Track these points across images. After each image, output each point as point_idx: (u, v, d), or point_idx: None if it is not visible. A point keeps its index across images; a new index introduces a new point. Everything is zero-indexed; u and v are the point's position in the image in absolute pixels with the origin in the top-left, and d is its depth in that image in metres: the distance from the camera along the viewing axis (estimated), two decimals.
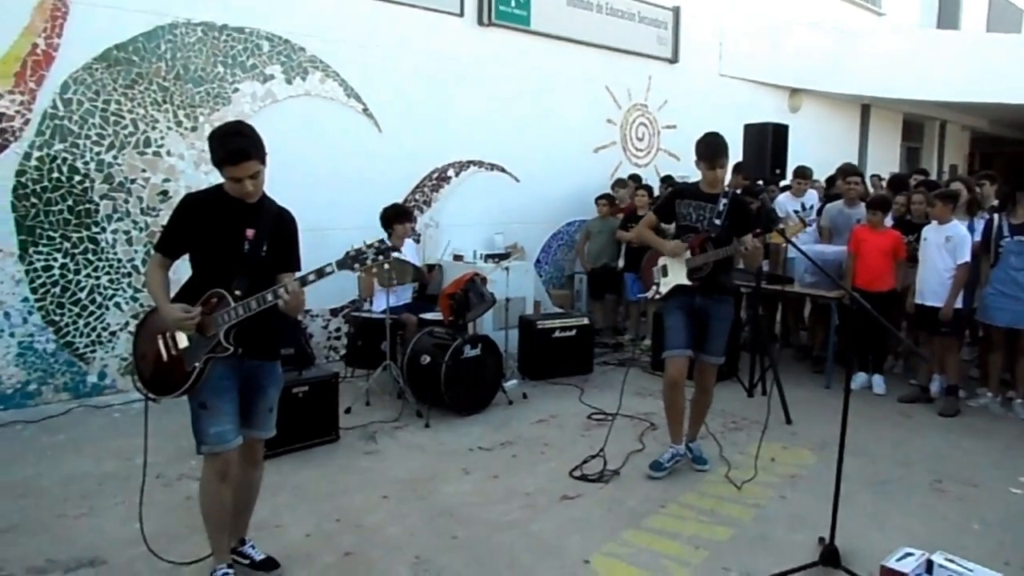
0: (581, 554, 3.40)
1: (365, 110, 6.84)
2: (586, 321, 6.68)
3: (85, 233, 5.43)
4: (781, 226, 3.90)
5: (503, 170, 8.01)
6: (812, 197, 7.41)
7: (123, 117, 5.53)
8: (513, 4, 7.83)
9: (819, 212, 7.12)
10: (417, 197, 7.32)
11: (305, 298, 2.85)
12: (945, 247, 5.49)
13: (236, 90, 6.05)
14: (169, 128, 5.75)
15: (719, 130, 4.17)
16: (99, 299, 5.53)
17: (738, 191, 4.96)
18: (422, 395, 5.31)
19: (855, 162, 11.63)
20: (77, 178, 5.36)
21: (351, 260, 2.81)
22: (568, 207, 8.66)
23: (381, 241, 2.85)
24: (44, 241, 5.26)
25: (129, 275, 5.64)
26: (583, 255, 8.10)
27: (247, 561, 3.16)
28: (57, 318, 5.37)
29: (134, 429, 4.72)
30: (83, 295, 5.46)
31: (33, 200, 5.20)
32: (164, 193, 5.74)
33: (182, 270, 2.90)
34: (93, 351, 5.54)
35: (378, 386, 5.73)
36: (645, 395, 5.84)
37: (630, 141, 9.44)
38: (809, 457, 4.65)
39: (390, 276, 5.30)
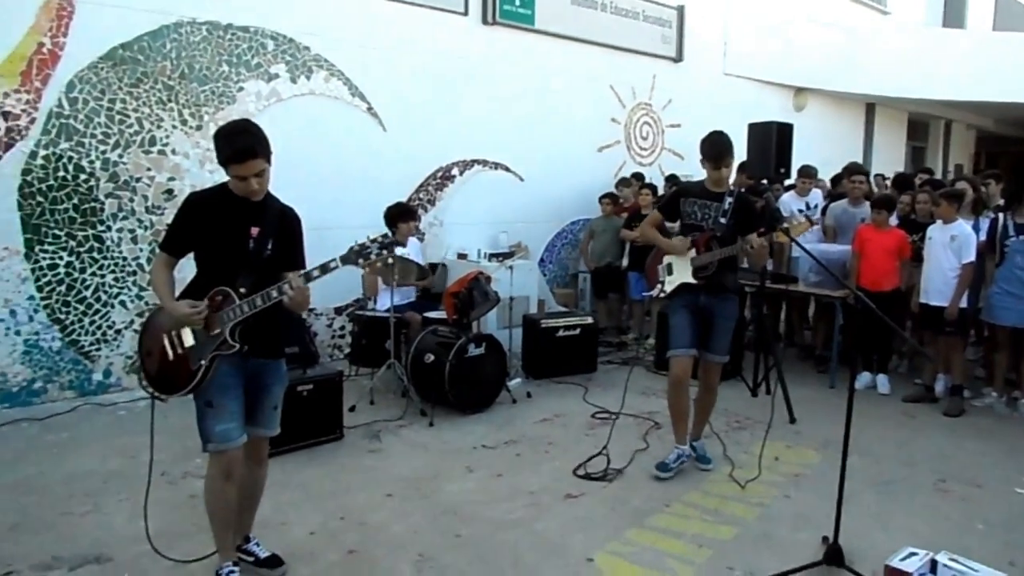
0: (585, 552, 3.40)
1: (369, 109, 6.85)
2: (590, 320, 6.68)
3: (90, 231, 5.45)
4: (785, 225, 3.90)
5: (507, 169, 8.02)
6: (816, 196, 7.40)
7: (128, 116, 5.55)
8: (517, 3, 7.83)
9: (823, 211, 7.11)
10: (421, 196, 7.33)
11: (310, 294, 2.85)
12: (950, 246, 5.48)
13: (241, 89, 6.07)
14: (174, 127, 5.77)
15: (723, 129, 4.17)
16: (104, 297, 5.55)
17: (742, 190, 4.95)
18: (426, 394, 5.32)
19: (860, 161, 11.59)
20: (83, 177, 5.38)
21: (355, 255, 2.81)
22: (572, 206, 8.66)
23: (385, 235, 2.85)
24: (50, 239, 5.29)
25: (134, 273, 5.66)
26: (587, 254, 8.10)
27: (251, 559, 3.17)
28: (62, 316, 5.39)
29: (139, 427, 4.78)
30: (88, 293, 5.48)
31: (39, 199, 5.22)
32: (169, 192, 5.76)
33: (187, 269, 2.91)
34: (98, 349, 5.56)
35: (382, 384, 5.74)
36: (649, 394, 5.84)
37: (634, 140, 9.43)
38: (813, 456, 4.64)
39: (393, 271, 5.31)
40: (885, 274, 5.85)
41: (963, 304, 5.49)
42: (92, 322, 5.51)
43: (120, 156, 5.53)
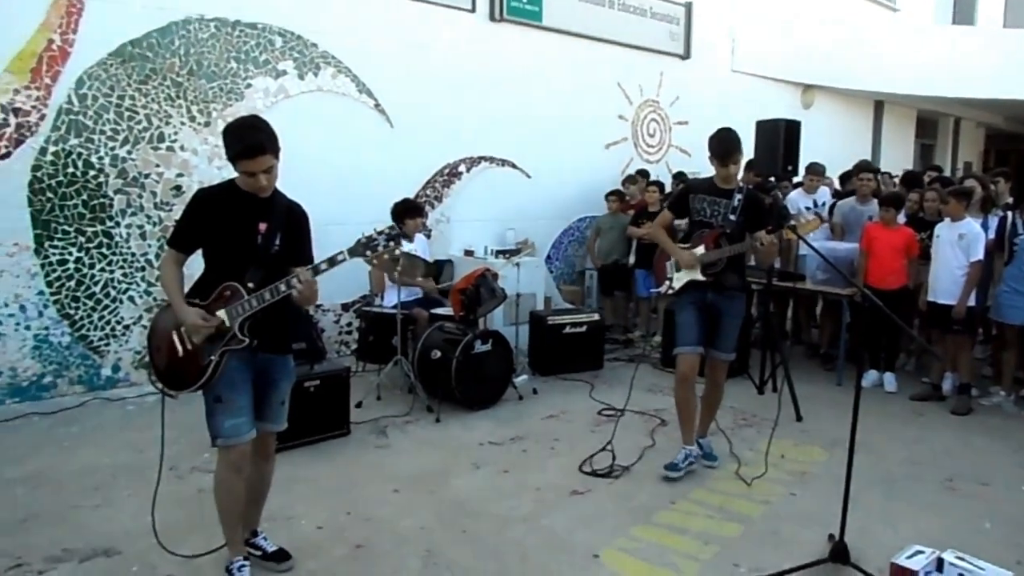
0: (591, 549, 3.41)
1: (377, 106, 6.86)
2: (597, 317, 6.68)
3: (100, 227, 5.48)
4: (793, 222, 3.89)
5: (514, 166, 8.02)
6: (824, 194, 7.37)
7: (137, 112, 5.57)
8: (525, 0, 7.82)
9: (831, 209, 7.09)
10: (428, 193, 7.34)
11: (318, 288, 2.86)
12: (958, 244, 5.46)
13: (249, 86, 6.09)
14: (183, 123, 5.79)
15: (731, 126, 4.16)
16: (113, 293, 5.58)
17: (750, 187, 4.94)
18: (433, 390, 5.33)
19: (868, 159, 11.55)
20: (92, 173, 5.41)
21: (363, 247, 2.81)
22: (579, 203, 8.66)
23: (392, 227, 2.85)
24: (59, 235, 5.32)
25: (143, 269, 5.69)
26: (593, 251, 8.09)
27: (259, 553, 3.19)
28: (72, 311, 5.42)
29: (147, 422, 4.81)
30: (97, 289, 5.51)
31: (49, 195, 5.25)
32: (178, 188, 5.79)
33: (195, 265, 2.92)
34: (107, 344, 5.60)
35: (389, 381, 5.76)
36: (656, 391, 5.84)
37: (641, 137, 9.42)
38: (819, 454, 4.64)
39: (398, 263, 5.31)
40: (893, 272, 5.84)
41: (971, 302, 5.47)
42: (101, 317, 5.54)
43: (129, 152, 5.56)
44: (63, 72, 5.24)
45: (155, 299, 5.66)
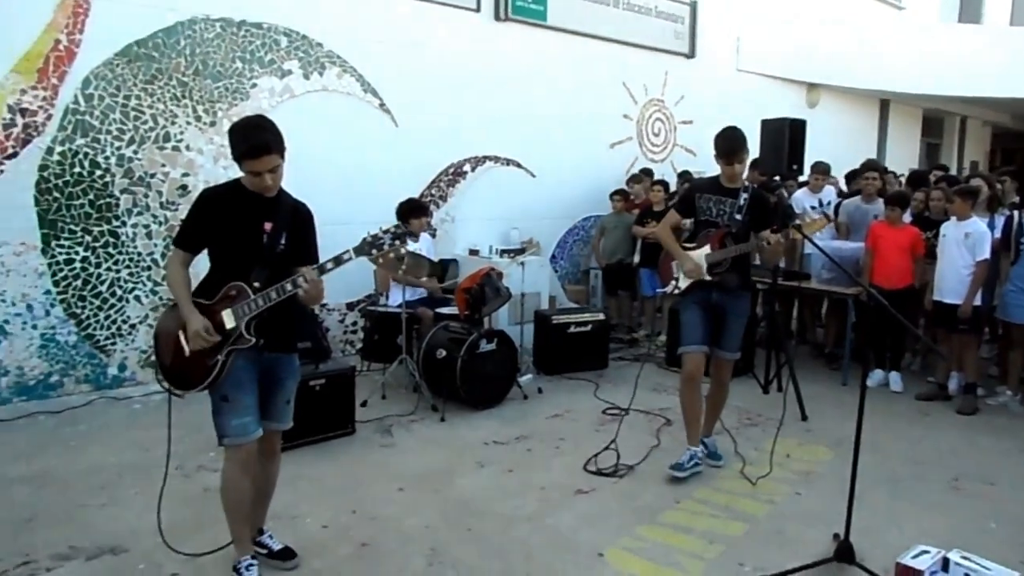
0: (595, 547, 3.41)
1: (382, 105, 6.87)
2: (601, 316, 6.68)
3: (106, 227, 5.50)
4: (798, 222, 3.88)
5: (519, 165, 8.02)
6: (830, 193, 7.36)
7: (143, 112, 5.59)
8: (530, 0, 7.84)
9: (836, 208, 7.08)
10: (433, 192, 7.34)
11: (324, 287, 2.86)
12: (964, 244, 5.45)
13: (254, 85, 6.10)
14: (188, 123, 5.81)
15: (736, 125, 4.16)
16: (119, 292, 5.60)
17: (755, 186, 4.94)
18: (438, 389, 5.34)
19: (874, 158, 11.51)
20: (98, 172, 5.43)
21: (368, 246, 2.82)
22: (584, 202, 8.66)
23: (397, 226, 2.87)
24: (66, 235, 5.34)
25: (149, 268, 5.71)
26: (598, 251, 8.09)
27: (265, 551, 3.20)
28: (78, 311, 5.44)
29: (153, 420, 4.83)
30: (104, 288, 5.53)
31: (55, 194, 5.27)
32: (183, 188, 5.80)
33: (200, 265, 2.93)
34: (113, 343, 5.62)
35: (394, 380, 5.77)
36: (660, 390, 5.84)
37: (646, 137, 9.41)
38: (825, 454, 4.63)
39: (403, 262, 5.31)
40: (898, 271, 5.82)
41: (977, 302, 5.46)
42: (107, 316, 5.57)
43: (135, 152, 5.58)
44: (69, 72, 5.26)
45: (161, 298, 5.68)
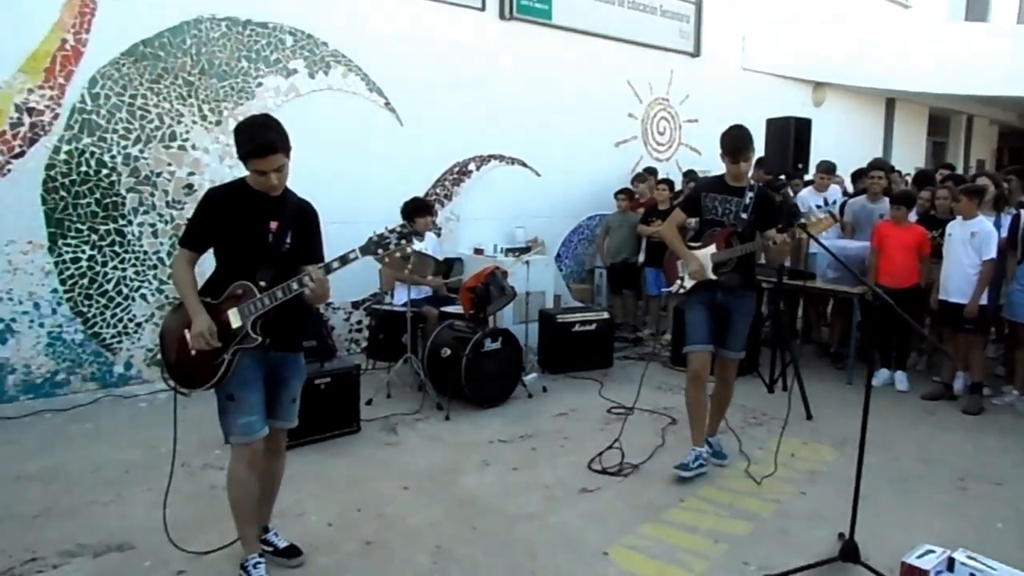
0: (600, 546, 3.41)
1: (387, 104, 6.88)
2: (606, 315, 6.68)
3: (112, 226, 5.52)
4: (803, 221, 3.88)
5: (524, 164, 8.02)
6: (835, 192, 7.35)
7: (149, 111, 5.61)
8: None
9: (842, 207, 7.06)
10: (438, 191, 7.35)
11: (330, 286, 2.87)
12: (970, 243, 5.43)
13: (260, 84, 6.12)
14: (194, 122, 5.83)
15: (742, 124, 4.15)
16: (125, 291, 5.62)
17: (761, 184, 4.93)
18: (442, 388, 5.35)
19: (880, 157, 11.48)
20: (104, 171, 5.45)
21: (374, 245, 2.82)
22: (589, 201, 8.65)
23: (403, 225, 2.86)
24: (72, 233, 5.36)
25: (155, 267, 5.73)
26: (603, 250, 8.09)
27: (270, 548, 3.21)
28: (85, 309, 5.47)
29: (159, 419, 4.84)
30: (110, 287, 5.55)
31: (62, 193, 5.29)
32: (189, 186, 5.82)
33: (206, 264, 2.94)
34: (120, 342, 5.64)
35: (399, 378, 5.78)
36: (665, 389, 5.84)
37: (651, 135, 9.40)
38: (830, 453, 4.62)
39: (409, 261, 5.32)
40: (904, 270, 5.81)
41: (983, 301, 5.44)
42: (114, 315, 5.59)
43: (141, 151, 5.60)
44: (76, 72, 5.28)
45: (167, 297, 5.71)
